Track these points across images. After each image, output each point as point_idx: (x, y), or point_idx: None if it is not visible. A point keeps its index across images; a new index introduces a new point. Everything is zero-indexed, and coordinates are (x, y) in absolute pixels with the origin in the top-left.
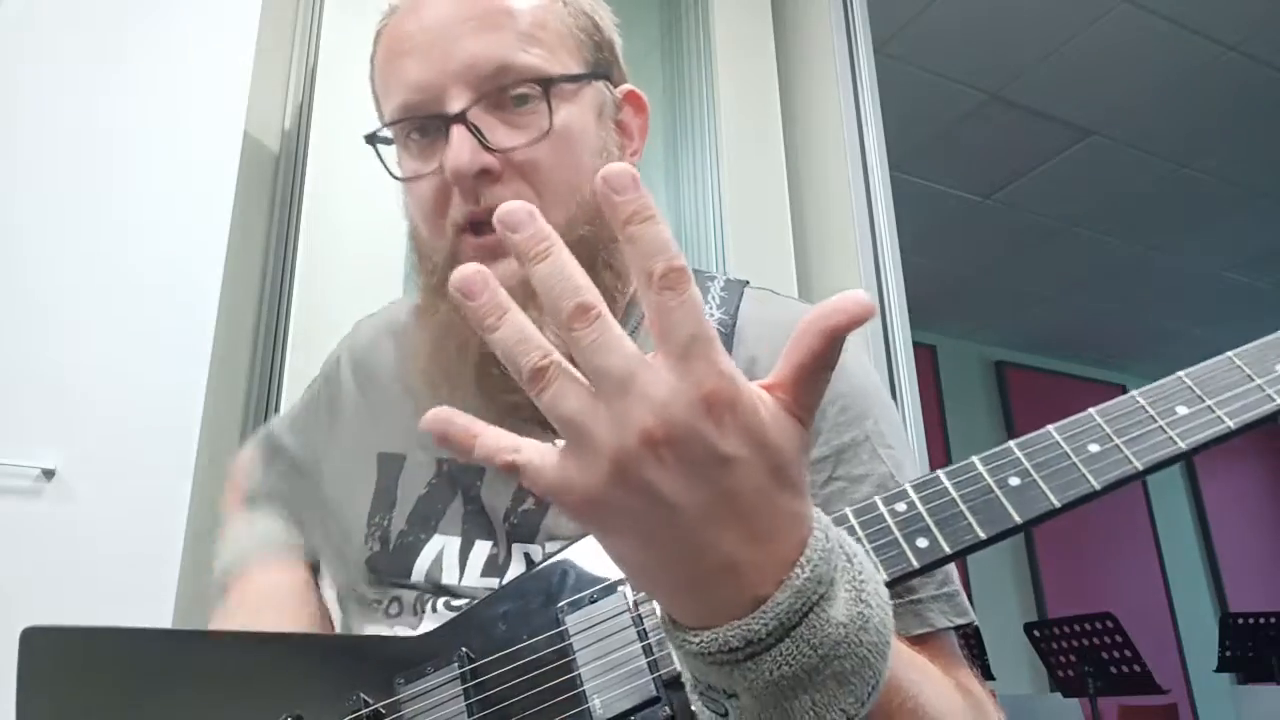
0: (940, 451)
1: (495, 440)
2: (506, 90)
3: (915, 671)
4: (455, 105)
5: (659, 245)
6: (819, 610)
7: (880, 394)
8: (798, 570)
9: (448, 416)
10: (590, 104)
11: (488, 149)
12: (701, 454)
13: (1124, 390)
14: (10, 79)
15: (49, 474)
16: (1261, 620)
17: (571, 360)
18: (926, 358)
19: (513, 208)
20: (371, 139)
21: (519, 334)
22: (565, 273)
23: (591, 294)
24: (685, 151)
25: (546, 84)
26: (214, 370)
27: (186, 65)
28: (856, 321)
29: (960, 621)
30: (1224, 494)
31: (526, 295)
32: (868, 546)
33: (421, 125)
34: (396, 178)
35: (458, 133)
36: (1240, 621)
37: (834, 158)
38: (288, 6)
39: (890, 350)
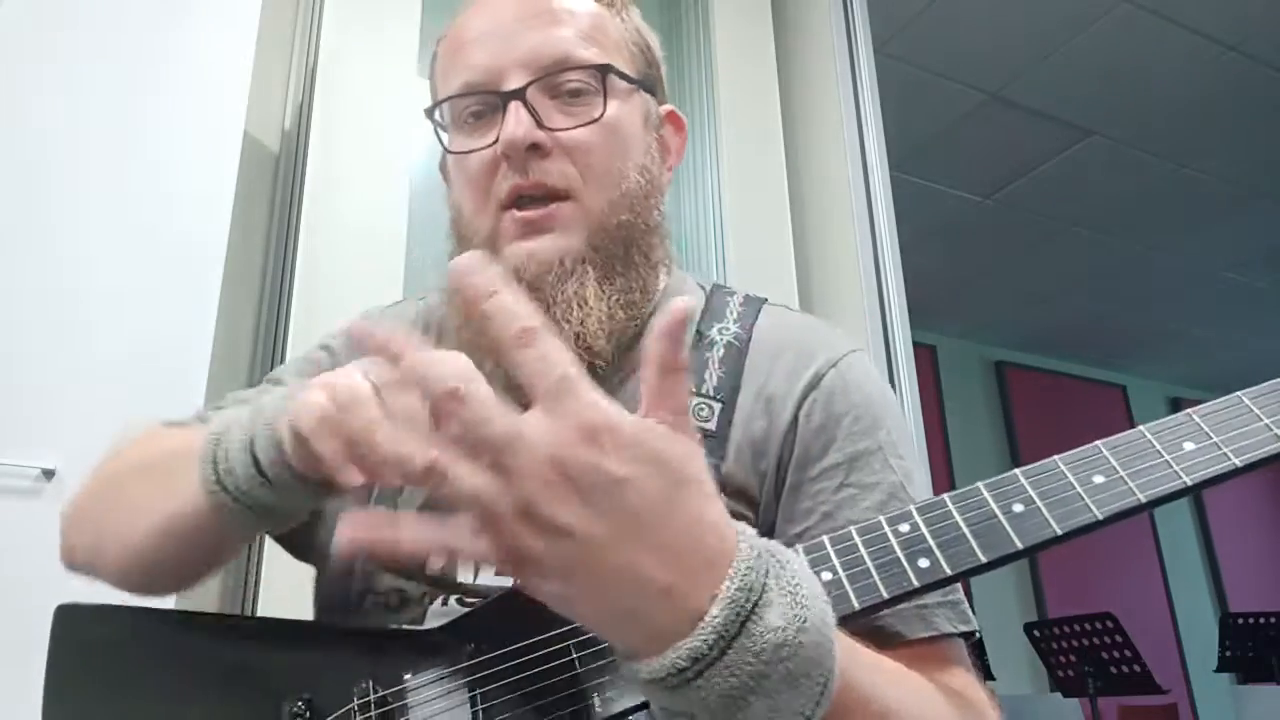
0: (940, 452)
1: (418, 534)
2: (564, 78)
3: (881, 675)
4: (514, 84)
5: (511, 314)
6: (755, 618)
7: (892, 407)
8: (727, 583)
9: (367, 525)
10: (638, 109)
11: (541, 127)
12: (596, 481)
13: (1124, 390)
14: (10, 79)
15: (49, 474)
16: (1261, 620)
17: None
18: (926, 358)
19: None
20: (431, 113)
21: (395, 444)
22: (425, 361)
23: (455, 377)
24: (685, 152)
25: (604, 72)
26: (214, 370)
27: (186, 65)
28: (675, 319)
29: (964, 628)
30: (1225, 494)
31: (564, 270)
32: (870, 564)
33: (478, 106)
34: (449, 151)
35: (514, 108)
36: (1240, 621)
37: (834, 158)
38: (288, 6)
39: (890, 350)
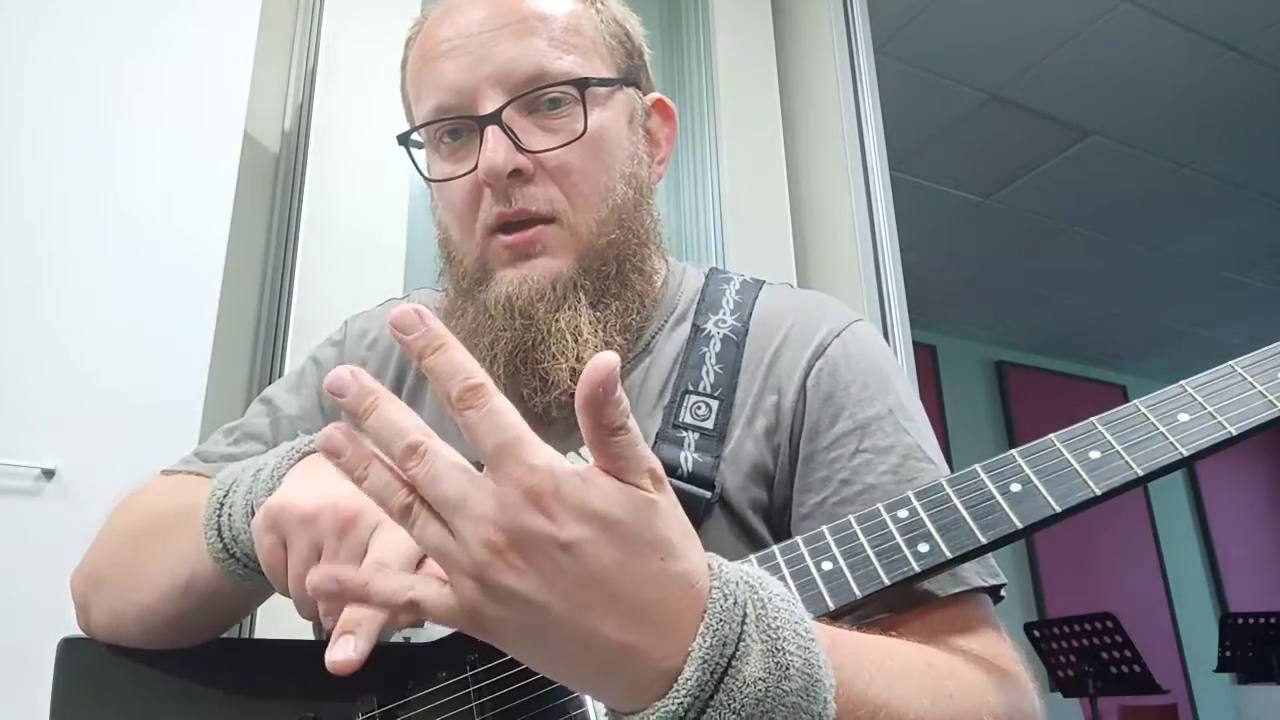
0: (940, 452)
1: (389, 582)
2: (541, 94)
3: (884, 675)
4: (489, 107)
5: (452, 370)
6: (733, 672)
7: (899, 374)
8: (699, 640)
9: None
10: (622, 109)
11: (521, 150)
12: (544, 548)
13: (1124, 391)
14: (11, 79)
15: (49, 474)
16: (1261, 620)
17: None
18: (926, 358)
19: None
20: (403, 140)
21: (383, 480)
22: (391, 419)
23: (416, 432)
24: (685, 151)
25: (581, 86)
26: (214, 370)
27: (186, 65)
28: (593, 383)
29: (993, 582)
30: (1224, 494)
31: (556, 297)
32: (870, 552)
33: (454, 127)
34: (429, 179)
35: (492, 133)
36: (1240, 621)
37: (834, 158)
38: (288, 6)
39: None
